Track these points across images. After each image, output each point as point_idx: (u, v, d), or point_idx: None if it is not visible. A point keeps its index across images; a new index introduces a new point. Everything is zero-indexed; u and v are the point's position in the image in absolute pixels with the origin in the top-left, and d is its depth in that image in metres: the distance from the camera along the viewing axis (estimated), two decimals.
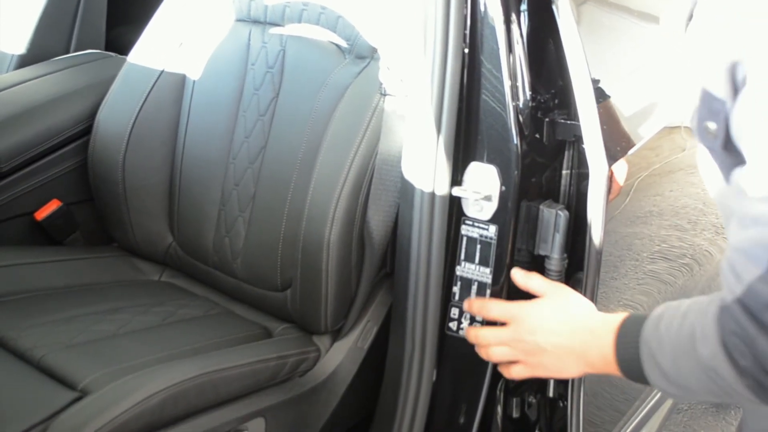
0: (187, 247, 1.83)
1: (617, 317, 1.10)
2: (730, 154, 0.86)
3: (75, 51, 2.25)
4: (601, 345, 1.11)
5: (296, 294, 1.60)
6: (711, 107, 0.85)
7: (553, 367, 1.22)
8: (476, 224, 1.40)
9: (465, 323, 1.44)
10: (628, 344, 1.06)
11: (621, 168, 1.44)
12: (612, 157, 1.34)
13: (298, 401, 1.54)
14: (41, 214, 1.88)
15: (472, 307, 1.38)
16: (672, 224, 1.84)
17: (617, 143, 1.41)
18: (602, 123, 1.32)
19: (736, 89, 0.82)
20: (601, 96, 1.37)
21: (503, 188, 1.36)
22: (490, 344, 1.29)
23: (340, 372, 1.59)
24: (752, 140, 0.81)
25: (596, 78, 1.35)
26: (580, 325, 1.18)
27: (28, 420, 1.27)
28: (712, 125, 0.86)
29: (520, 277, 1.32)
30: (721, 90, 0.83)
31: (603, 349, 1.10)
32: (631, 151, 1.45)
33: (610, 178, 1.33)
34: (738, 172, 0.85)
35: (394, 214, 1.52)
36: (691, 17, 0.95)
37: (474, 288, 1.42)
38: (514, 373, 1.28)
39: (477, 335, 1.32)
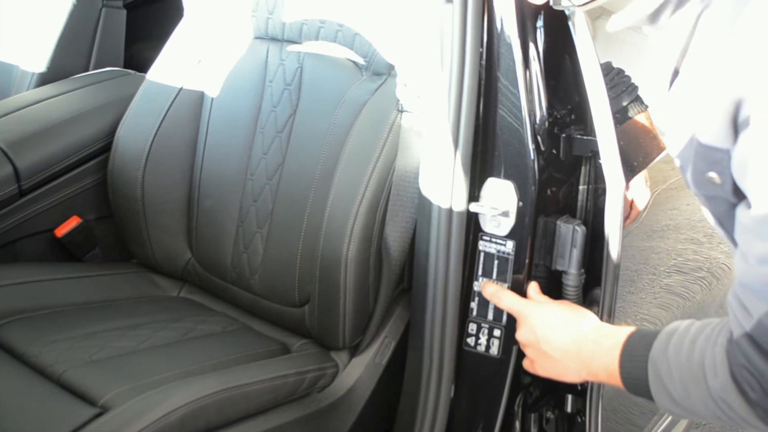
0: (205, 263, 1.84)
1: (624, 331, 1.11)
2: (735, 196, 0.86)
3: (94, 69, 2.27)
4: (605, 358, 1.12)
5: (314, 310, 1.61)
6: (711, 158, 0.85)
7: (552, 371, 1.23)
8: (493, 240, 1.41)
9: (483, 339, 1.45)
10: (635, 362, 1.06)
11: (641, 193, 1.44)
12: (629, 172, 1.34)
13: (316, 417, 1.54)
14: (61, 230, 1.90)
15: (486, 291, 1.39)
16: (688, 238, 1.83)
17: (634, 158, 1.41)
18: (619, 138, 1.32)
19: (737, 132, 0.81)
20: (617, 111, 1.37)
21: (520, 204, 1.37)
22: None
23: (358, 388, 1.59)
24: (757, 179, 0.81)
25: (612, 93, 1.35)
26: (585, 334, 1.18)
27: None
28: (714, 175, 0.85)
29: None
30: (721, 139, 0.83)
31: (607, 362, 1.11)
32: (647, 166, 1.45)
33: (627, 196, 1.34)
34: (741, 210, 0.85)
35: (411, 230, 1.53)
36: (676, 73, 0.94)
37: (492, 303, 1.42)
38: (524, 364, 1.30)
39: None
